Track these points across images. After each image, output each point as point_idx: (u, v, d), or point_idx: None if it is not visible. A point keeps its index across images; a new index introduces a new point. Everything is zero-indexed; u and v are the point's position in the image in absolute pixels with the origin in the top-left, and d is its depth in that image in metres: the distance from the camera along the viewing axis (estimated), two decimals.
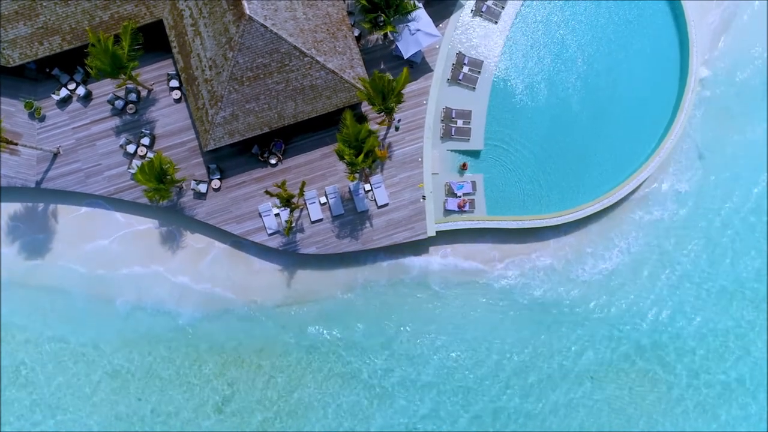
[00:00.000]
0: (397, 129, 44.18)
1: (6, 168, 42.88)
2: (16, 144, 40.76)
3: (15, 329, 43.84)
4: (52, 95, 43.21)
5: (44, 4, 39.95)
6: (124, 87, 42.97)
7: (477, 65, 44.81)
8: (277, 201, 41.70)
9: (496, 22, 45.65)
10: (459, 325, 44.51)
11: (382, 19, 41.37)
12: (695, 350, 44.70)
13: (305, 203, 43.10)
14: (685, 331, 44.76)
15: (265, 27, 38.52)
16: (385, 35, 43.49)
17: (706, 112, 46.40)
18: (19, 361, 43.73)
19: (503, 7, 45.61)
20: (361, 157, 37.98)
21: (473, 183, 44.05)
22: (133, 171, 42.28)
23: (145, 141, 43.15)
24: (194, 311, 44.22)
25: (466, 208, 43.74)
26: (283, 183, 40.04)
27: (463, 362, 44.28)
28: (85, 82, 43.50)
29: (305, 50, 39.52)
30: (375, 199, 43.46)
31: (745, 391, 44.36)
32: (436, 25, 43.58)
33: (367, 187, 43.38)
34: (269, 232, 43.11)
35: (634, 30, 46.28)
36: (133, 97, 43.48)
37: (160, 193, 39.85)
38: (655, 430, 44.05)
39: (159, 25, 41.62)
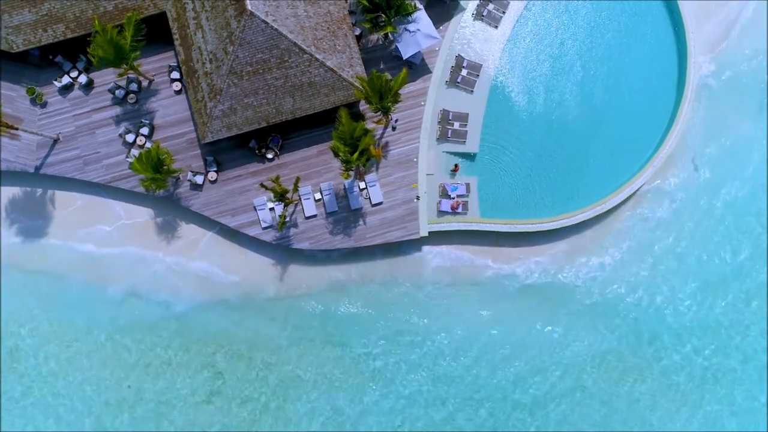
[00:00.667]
0: (394, 129, 44.57)
1: (6, 152, 43.41)
2: (17, 129, 41.21)
3: (8, 312, 44.29)
4: (54, 82, 43.70)
5: None
6: (125, 77, 43.43)
7: (476, 68, 45.16)
8: (272, 195, 42.11)
9: (496, 27, 45.98)
10: (447, 323, 44.87)
11: (382, 19, 41.76)
12: (695, 353, 45.26)
13: (300, 199, 43.53)
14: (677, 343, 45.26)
15: (266, 23, 38.95)
16: (386, 35, 43.87)
17: (703, 121, 46.64)
18: (12, 345, 44.22)
19: (504, 12, 45.95)
20: (355, 155, 38.38)
21: (467, 185, 44.41)
22: (131, 160, 42.75)
23: (144, 131, 43.61)
24: (187, 301, 44.60)
25: (459, 209, 44.11)
26: (278, 178, 40.45)
27: (451, 360, 44.68)
28: (87, 71, 43.99)
29: (305, 47, 39.93)
30: (369, 198, 43.87)
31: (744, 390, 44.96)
32: (437, 28, 43.94)
33: (362, 185, 43.78)
34: (263, 225, 43.54)
35: (633, 37, 46.61)
36: (134, 87, 43.96)
37: (156, 183, 40.35)
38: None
39: (162, 16, 42.06)
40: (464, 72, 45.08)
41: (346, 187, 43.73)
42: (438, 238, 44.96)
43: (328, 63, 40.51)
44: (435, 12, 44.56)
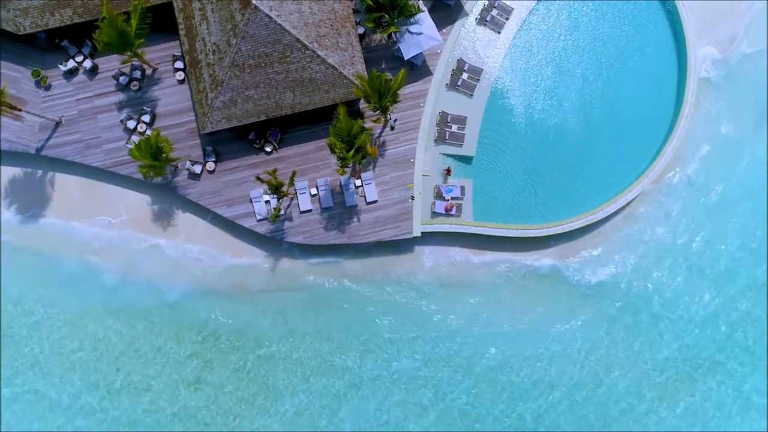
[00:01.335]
0: (392, 128, 44.97)
1: (8, 133, 43.94)
2: (20, 110, 41.79)
3: (3, 291, 44.81)
4: (60, 66, 44.21)
5: None
6: (129, 64, 43.92)
7: (476, 73, 45.52)
8: (267, 188, 42.53)
9: (499, 32, 46.34)
10: (438, 322, 45.29)
11: (385, 19, 42.15)
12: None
13: (296, 193, 43.95)
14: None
15: (270, 17, 39.41)
16: (389, 35, 44.25)
17: (701, 136, 46.94)
18: (5, 324, 44.68)
19: (507, 18, 46.29)
20: (351, 153, 38.79)
21: (462, 188, 44.77)
22: (131, 146, 43.13)
23: (146, 118, 44.11)
24: (179, 288, 45.00)
25: (453, 211, 44.46)
26: (274, 171, 40.88)
27: (440, 358, 45.07)
28: (92, 56, 44.50)
29: (307, 43, 40.38)
30: (364, 195, 44.25)
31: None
32: (440, 31, 44.32)
33: (358, 182, 44.19)
34: (258, 217, 43.98)
35: (635, 48, 46.99)
36: (137, 74, 44.45)
37: (154, 170, 40.81)
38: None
39: (168, 6, 42.54)
40: (465, 76, 45.45)
41: (342, 184, 44.13)
42: (432, 238, 45.33)
43: (330, 60, 40.95)
44: (438, 15, 44.94)
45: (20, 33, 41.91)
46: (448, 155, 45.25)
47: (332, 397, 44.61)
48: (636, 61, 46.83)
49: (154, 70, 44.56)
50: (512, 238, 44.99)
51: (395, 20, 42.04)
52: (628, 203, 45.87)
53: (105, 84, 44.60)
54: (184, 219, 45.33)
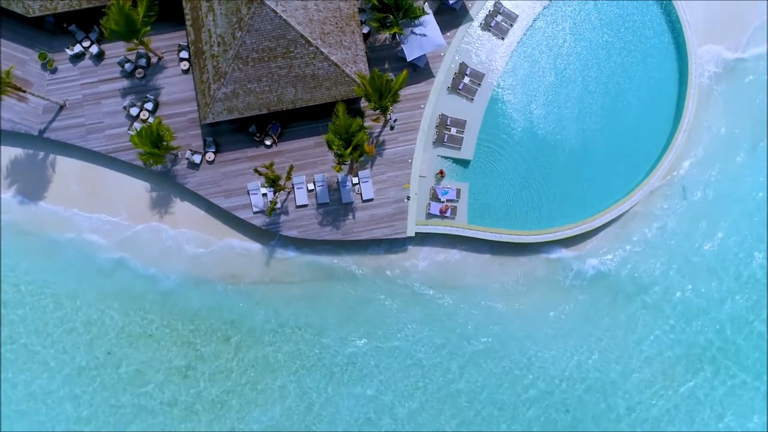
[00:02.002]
0: (392, 128, 45.36)
1: (12, 113, 44.44)
2: (25, 91, 42.30)
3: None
4: (66, 50, 44.68)
5: None
6: (135, 51, 44.37)
7: (478, 77, 45.89)
8: (264, 180, 42.93)
9: (503, 38, 46.69)
10: (432, 320, 45.65)
11: (390, 19, 42.54)
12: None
13: (293, 187, 44.36)
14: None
15: (275, 12, 39.86)
16: (393, 36, 44.64)
17: (698, 147, 47.17)
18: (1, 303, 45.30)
19: (512, 25, 46.63)
20: (348, 150, 39.19)
21: (458, 190, 45.13)
22: (132, 133, 43.64)
23: (149, 106, 44.57)
24: (174, 277, 45.39)
25: (448, 214, 44.83)
26: (271, 164, 41.30)
27: (431, 357, 45.47)
28: (99, 42, 44.92)
29: (311, 40, 40.81)
30: (361, 193, 44.65)
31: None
32: (444, 34, 44.65)
33: (355, 180, 44.59)
34: (255, 210, 44.39)
35: (637, 59, 47.22)
36: (143, 62, 44.91)
37: (153, 158, 41.24)
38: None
39: None
40: (466, 80, 45.82)
41: (339, 180, 44.54)
42: (427, 239, 45.73)
43: (333, 57, 41.37)
44: (443, 18, 45.31)
45: (29, 15, 42.40)
46: (445, 158, 45.63)
47: (321, 390, 44.94)
48: (638, 70, 47.09)
49: (160, 58, 45.02)
50: (505, 243, 45.30)
51: (400, 21, 42.45)
52: (626, 212, 46.02)
53: (110, 70, 45.08)
54: (182, 208, 45.75)
